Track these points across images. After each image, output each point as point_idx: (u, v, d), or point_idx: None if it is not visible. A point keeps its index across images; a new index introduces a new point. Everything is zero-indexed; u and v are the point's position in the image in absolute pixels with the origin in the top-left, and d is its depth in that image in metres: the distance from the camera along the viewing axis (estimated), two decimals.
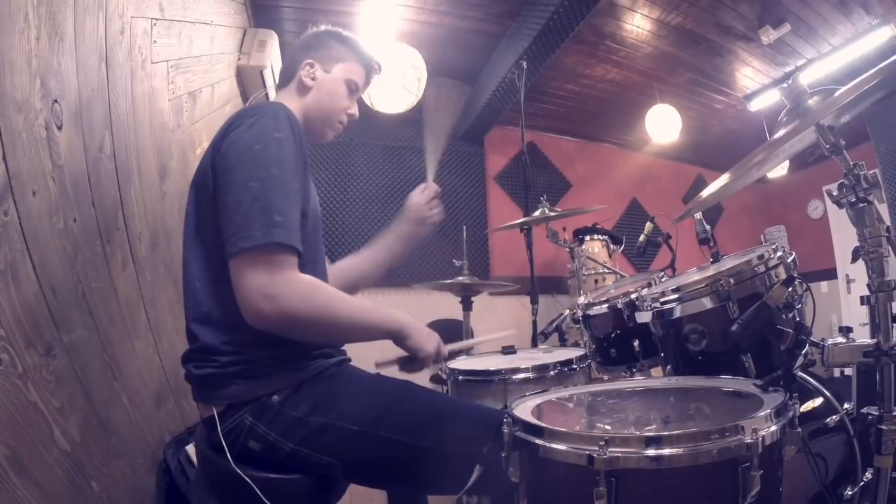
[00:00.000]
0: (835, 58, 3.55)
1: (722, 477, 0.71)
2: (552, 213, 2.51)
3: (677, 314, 1.23)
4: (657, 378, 1.26)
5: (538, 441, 0.78)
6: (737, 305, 1.13)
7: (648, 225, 2.34)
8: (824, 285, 5.33)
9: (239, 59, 2.61)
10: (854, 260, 0.97)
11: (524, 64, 2.90)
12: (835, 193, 0.98)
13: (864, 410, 0.98)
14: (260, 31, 2.70)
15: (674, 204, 5.01)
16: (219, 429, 0.95)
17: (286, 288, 0.89)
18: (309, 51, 1.22)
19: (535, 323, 2.55)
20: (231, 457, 0.93)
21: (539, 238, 2.89)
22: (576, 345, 2.33)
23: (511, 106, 3.67)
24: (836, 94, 0.94)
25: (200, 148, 1.98)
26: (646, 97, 4.07)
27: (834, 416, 1.21)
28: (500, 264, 4.26)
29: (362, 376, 1.09)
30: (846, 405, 1.22)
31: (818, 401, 1.25)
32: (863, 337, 0.96)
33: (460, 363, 1.52)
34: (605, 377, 1.69)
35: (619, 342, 1.62)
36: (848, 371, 1.28)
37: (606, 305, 1.66)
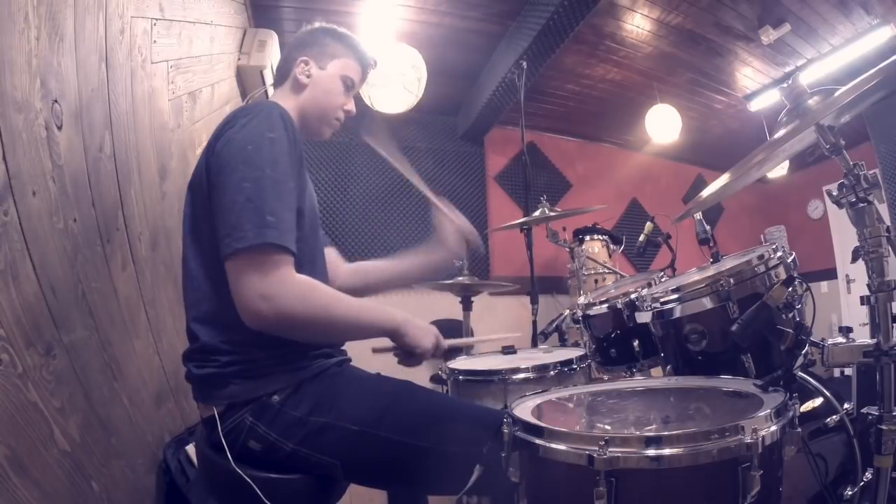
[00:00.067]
0: (835, 58, 3.55)
1: (722, 477, 0.71)
2: (552, 213, 2.52)
3: (677, 314, 1.23)
4: (657, 378, 1.26)
5: (538, 441, 0.78)
6: (737, 305, 1.13)
7: (648, 225, 2.34)
8: (824, 285, 5.33)
9: (239, 59, 2.61)
10: (854, 260, 0.97)
11: (524, 64, 2.90)
12: (835, 193, 0.98)
13: (864, 410, 0.98)
14: (260, 31, 2.70)
15: (674, 204, 5.01)
16: (219, 429, 0.95)
17: (283, 288, 0.89)
18: (303, 48, 1.21)
19: (535, 323, 2.55)
20: (231, 457, 0.93)
21: (539, 238, 2.89)
22: (576, 345, 2.33)
23: (511, 106, 3.67)
24: (836, 94, 0.94)
25: (200, 148, 1.97)
26: (646, 97, 4.07)
27: (834, 416, 1.21)
28: (500, 264, 4.26)
29: (362, 376, 1.09)
30: (846, 405, 1.22)
31: (818, 401, 1.25)
32: (863, 337, 0.96)
33: (460, 363, 1.52)
34: (605, 377, 1.69)
35: (619, 342, 1.62)
36: (848, 371, 1.28)
37: (606, 305, 1.66)
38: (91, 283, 1.16)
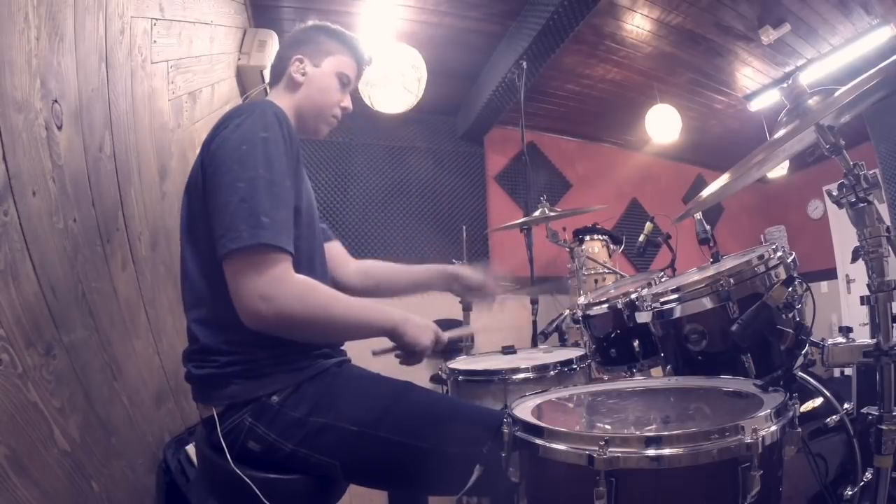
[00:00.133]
0: (835, 58, 3.55)
1: (722, 477, 0.71)
2: (552, 213, 2.52)
3: (677, 314, 1.23)
4: (657, 378, 1.26)
5: (538, 441, 0.78)
6: (737, 305, 1.13)
7: (648, 225, 2.34)
8: (824, 285, 5.33)
9: (239, 59, 2.61)
10: (854, 260, 0.97)
11: (524, 64, 2.90)
12: (835, 193, 0.98)
13: (864, 410, 0.98)
14: (260, 31, 2.71)
15: (674, 204, 5.02)
16: (218, 429, 0.95)
17: (282, 288, 0.88)
18: (297, 46, 1.21)
19: (535, 323, 2.55)
20: (231, 457, 0.93)
21: (539, 238, 2.89)
22: (576, 345, 2.33)
23: (511, 106, 3.67)
24: (836, 94, 0.94)
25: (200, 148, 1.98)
26: (646, 97, 4.07)
27: (834, 416, 1.21)
28: (500, 264, 4.26)
29: (362, 376, 1.08)
30: (846, 405, 1.22)
31: (818, 401, 1.25)
32: (863, 337, 0.96)
33: (460, 363, 1.52)
34: (605, 377, 1.69)
35: (619, 342, 1.62)
36: (848, 371, 1.28)
37: (606, 305, 1.66)
38: (91, 283, 1.16)
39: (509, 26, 3.22)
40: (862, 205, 0.93)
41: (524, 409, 0.96)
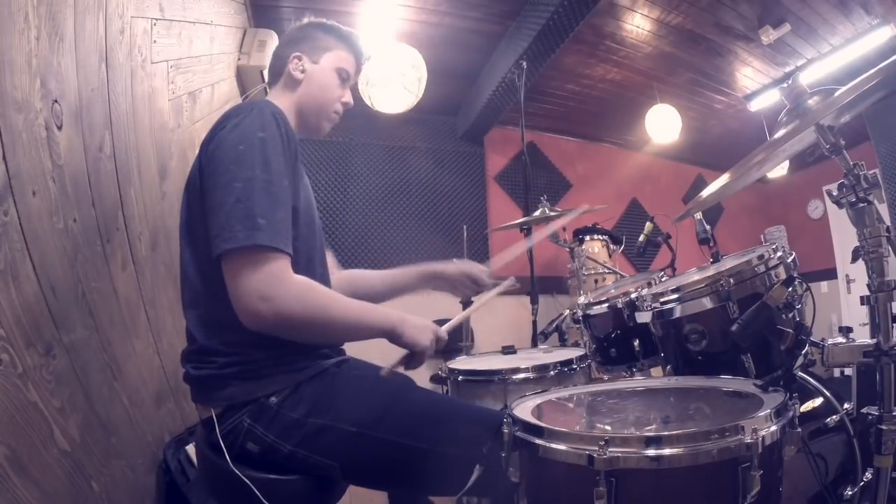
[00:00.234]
0: (835, 58, 3.55)
1: (722, 477, 0.71)
2: (552, 213, 2.52)
3: (677, 314, 1.23)
4: (657, 378, 1.26)
5: (538, 441, 0.78)
6: (737, 305, 1.13)
7: (648, 225, 2.33)
8: (824, 285, 5.33)
9: (239, 59, 2.61)
10: (854, 260, 0.97)
11: (524, 64, 2.90)
12: (835, 193, 0.98)
13: (864, 410, 0.98)
14: (260, 31, 2.71)
15: (674, 204, 5.01)
16: (217, 430, 0.95)
17: (281, 289, 0.88)
18: (295, 44, 1.20)
19: (535, 323, 2.55)
20: (230, 458, 0.93)
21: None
22: (576, 345, 2.33)
23: (511, 106, 3.67)
24: (836, 94, 0.94)
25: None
26: (646, 97, 4.07)
27: (834, 416, 1.21)
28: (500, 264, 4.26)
29: (361, 377, 1.08)
30: (846, 405, 1.22)
31: (818, 401, 1.25)
32: (863, 337, 0.96)
33: (460, 363, 1.52)
34: (605, 377, 1.69)
35: (619, 342, 1.62)
36: (848, 371, 1.28)
37: (606, 305, 1.66)
38: (91, 283, 1.16)
39: (509, 26, 3.22)
40: (862, 205, 0.93)
41: (524, 409, 0.96)
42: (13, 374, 0.85)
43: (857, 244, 0.96)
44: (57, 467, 0.97)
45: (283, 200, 0.93)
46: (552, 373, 1.33)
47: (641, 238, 2.34)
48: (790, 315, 1.05)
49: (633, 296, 1.53)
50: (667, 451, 0.70)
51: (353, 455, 0.97)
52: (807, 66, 3.71)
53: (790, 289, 0.98)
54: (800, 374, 1.22)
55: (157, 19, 1.62)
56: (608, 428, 0.85)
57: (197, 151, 1.03)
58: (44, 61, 0.99)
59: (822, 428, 1.22)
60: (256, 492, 0.90)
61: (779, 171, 4.75)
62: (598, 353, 1.70)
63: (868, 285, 0.94)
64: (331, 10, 2.89)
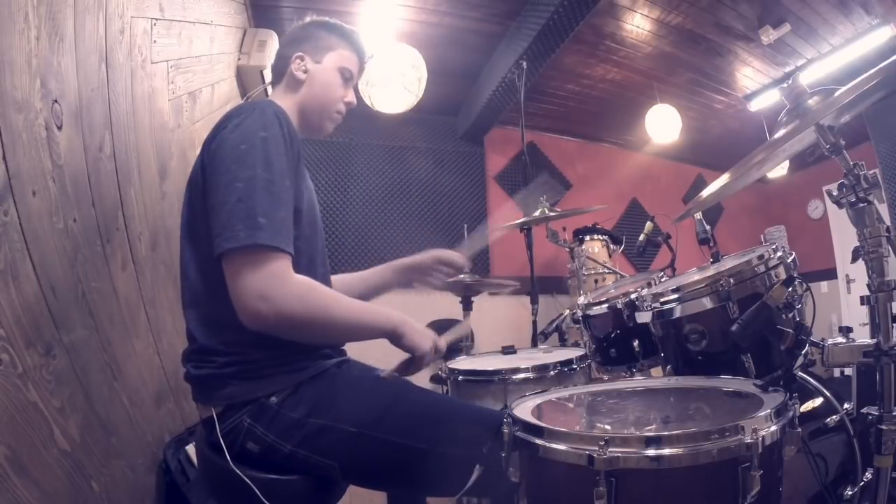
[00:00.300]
0: (835, 58, 3.55)
1: (722, 477, 0.71)
2: (552, 213, 2.52)
3: (677, 314, 1.23)
4: (657, 378, 1.26)
5: (538, 441, 0.78)
6: (737, 305, 1.13)
7: (648, 225, 2.34)
8: (824, 285, 5.33)
9: (239, 59, 2.61)
10: (854, 260, 0.97)
11: (524, 64, 2.90)
12: (835, 193, 0.98)
13: (864, 410, 0.98)
14: (260, 31, 2.70)
15: (674, 204, 5.02)
16: (217, 429, 0.95)
17: (282, 289, 0.88)
18: (297, 44, 1.20)
19: (535, 323, 2.55)
20: (230, 457, 0.93)
21: (539, 238, 2.89)
22: (576, 345, 2.33)
23: (511, 106, 3.67)
24: (836, 94, 0.94)
25: (200, 148, 1.98)
26: (646, 97, 4.07)
27: (834, 416, 1.21)
28: (500, 264, 4.26)
29: (361, 377, 1.08)
30: (846, 405, 1.22)
31: (818, 401, 1.25)
32: (863, 337, 0.96)
33: (460, 363, 1.52)
34: (605, 377, 1.69)
35: (619, 342, 1.62)
36: (848, 371, 1.28)
37: (606, 305, 1.66)
38: (91, 283, 1.16)
39: (509, 26, 3.22)
40: (862, 205, 0.93)
41: (524, 409, 0.96)
42: (13, 374, 0.85)
43: (857, 244, 0.96)
44: (57, 467, 0.97)
45: (284, 200, 0.93)
46: (552, 373, 1.33)
47: (641, 238, 2.34)
48: (790, 315, 1.05)
49: (633, 296, 1.53)
50: (667, 451, 0.70)
51: (354, 455, 0.97)
52: (807, 66, 3.71)
53: (790, 289, 0.98)
54: (800, 374, 1.22)
55: (157, 19, 1.62)
56: (608, 428, 0.85)
57: (197, 151, 1.03)
58: (44, 61, 0.99)
59: (822, 428, 1.22)
60: (257, 491, 0.90)
61: (779, 171, 4.75)
62: (598, 353, 1.70)
63: (868, 285, 0.94)
64: (331, 10, 2.88)
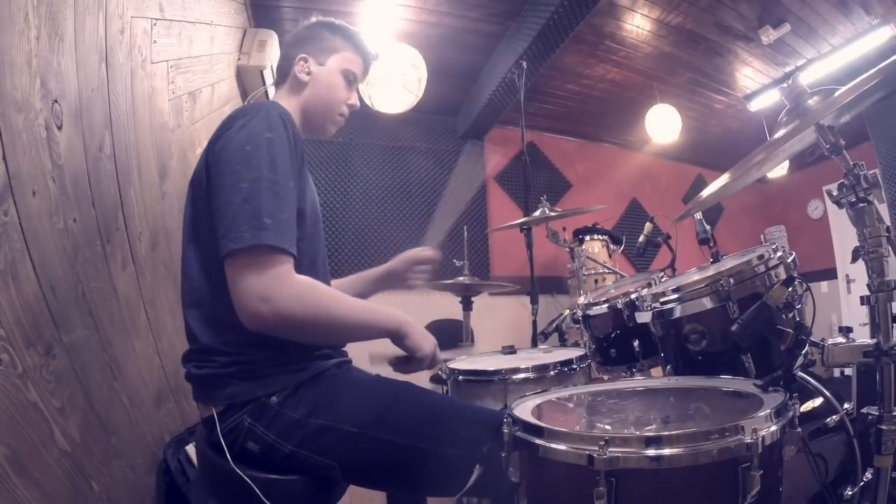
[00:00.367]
0: (835, 58, 3.55)
1: (722, 477, 0.71)
2: (552, 213, 2.52)
3: (677, 314, 1.23)
4: (657, 378, 1.26)
5: (538, 441, 0.78)
6: (737, 305, 1.13)
7: (648, 225, 2.33)
8: (824, 285, 5.33)
9: (239, 59, 2.61)
10: (854, 260, 0.97)
11: (524, 64, 2.90)
12: (835, 193, 0.98)
13: (864, 410, 0.98)
14: (260, 31, 2.70)
15: (674, 204, 5.02)
16: (218, 429, 0.95)
17: (283, 290, 0.88)
18: (301, 45, 1.20)
19: (535, 323, 2.55)
20: (230, 457, 0.93)
21: (539, 238, 2.89)
22: (576, 345, 2.33)
23: (511, 106, 3.67)
24: (836, 94, 0.94)
25: (200, 148, 1.98)
26: (646, 97, 4.07)
27: (834, 416, 1.21)
28: (500, 264, 4.26)
29: (362, 377, 1.08)
30: (846, 405, 1.22)
31: (818, 401, 1.25)
32: (863, 337, 0.96)
33: (460, 363, 1.52)
34: (605, 377, 1.69)
35: (619, 342, 1.62)
36: (848, 371, 1.28)
37: (606, 305, 1.66)
38: (91, 283, 1.16)
39: (509, 26, 3.22)
40: (862, 205, 0.93)
41: (524, 409, 0.96)
42: (13, 374, 0.85)
43: (857, 244, 0.96)
44: (57, 467, 0.97)
45: (288, 201, 0.93)
46: (552, 373, 1.33)
47: (641, 238, 2.34)
48: (790, 315, 1.05)
49: (633, 296, 1.53)
50: (667, 451, 0.70)
51: (354, 455, 0.97)
52: (807, 66, 3.71)
53: (790, 289, 0.98)
54: (800, 374, 1.23)
55: (157, 19, 1.62)
56: (608, 428, 0.85)
57: (197, 151, 1.03)
58: (44, 61, 0.99)
59: (822, 428, 1.22)
60: (257, 491, 0.90)
61: (779, 171, 4.75)
62: (598, 353, 1.70)
63: (868, 285, 0.94)
64: (331, 10, 2.88)
